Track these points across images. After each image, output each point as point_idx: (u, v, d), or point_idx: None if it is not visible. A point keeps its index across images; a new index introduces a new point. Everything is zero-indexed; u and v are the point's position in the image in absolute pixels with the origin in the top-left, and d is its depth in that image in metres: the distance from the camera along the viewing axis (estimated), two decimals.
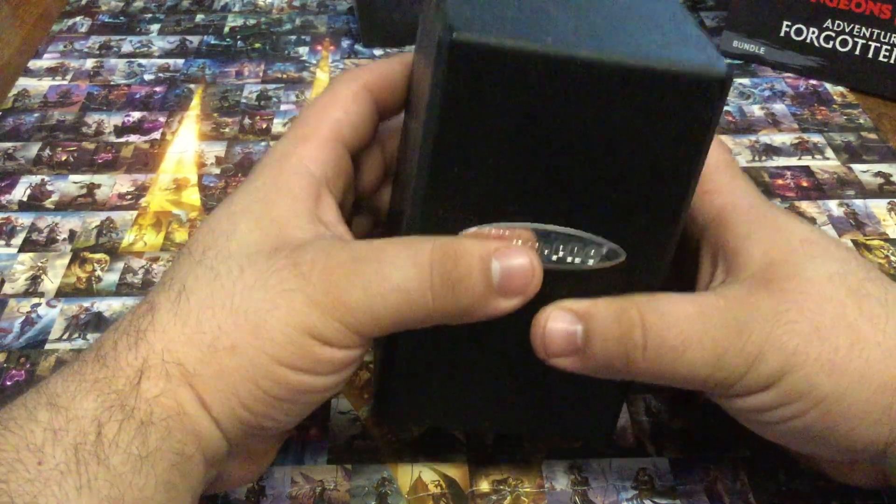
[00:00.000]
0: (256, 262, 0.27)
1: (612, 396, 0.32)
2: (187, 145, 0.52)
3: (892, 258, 0.44)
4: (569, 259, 0.28)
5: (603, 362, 0.28)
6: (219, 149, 0.52)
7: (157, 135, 0.53)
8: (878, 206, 0.48)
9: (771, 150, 0.52)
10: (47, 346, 0.39)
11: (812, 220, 0.47)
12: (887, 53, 0.55)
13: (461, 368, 0.31)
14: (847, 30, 0.55)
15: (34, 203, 0.48)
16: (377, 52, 0.62)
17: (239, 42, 0.63)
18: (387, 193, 0.36)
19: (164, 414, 0.26)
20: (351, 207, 0.34)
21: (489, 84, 0.25)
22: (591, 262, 0.28)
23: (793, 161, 0.51)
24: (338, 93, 0.31)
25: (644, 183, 0.27)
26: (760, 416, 0.29)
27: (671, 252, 0.29)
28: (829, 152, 0.52)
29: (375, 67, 0.32)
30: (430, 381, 0.32)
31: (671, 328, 0.27)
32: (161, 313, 0.27)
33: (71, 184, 0.49)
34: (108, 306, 0.42)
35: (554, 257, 0.28)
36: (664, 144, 0.26)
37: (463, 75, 0.25)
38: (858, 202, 0.48)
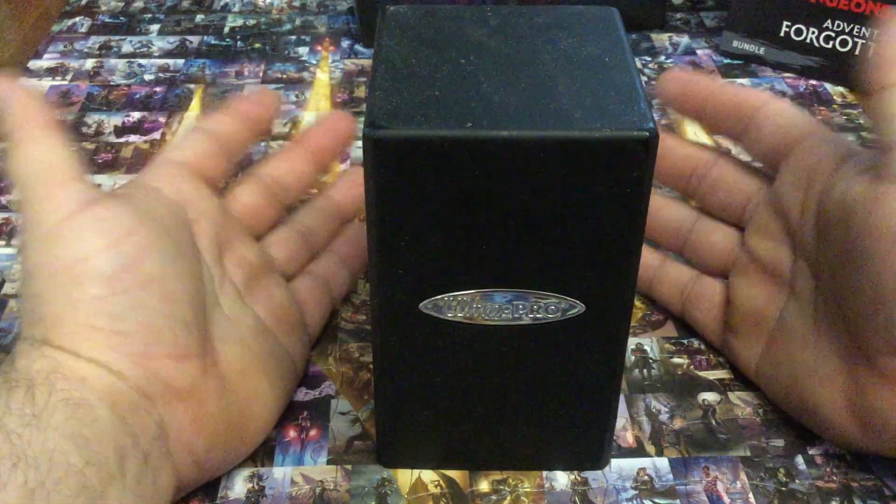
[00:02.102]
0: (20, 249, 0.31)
1: (601, 425, 0.33)
2: None
3: None
4: (530, 316, 0.29)
5: None
6: None
7: (157, 135, 0.53)
8: None
9: None
10: None
11: None
12: None
13: (449, 412, 0.32)
14: (847, 30, 0.55)
15: None
16: None
17: (239, 42, 0.63)
18: (310, 210, 0.41)
19: (43, 373, 0.27)
20: (226, 219, 0.36)
21: (418, 171, 0.26)
22: (551, 316, 0.29)
23: None
24: (175, 139, 0.36)
25: (588, 241, 0.28)
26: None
27: (631, 297, 0.29)
28: None
29: (213, 116, 0.37)
30: (420, 425, 0.33)
31: None
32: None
33: None
34: None
35: (516, 315, 0.29)
36: (599, 205, 0.27)
37: (390, 168, 0.26)
38: None
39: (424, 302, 0.29)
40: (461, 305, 0.29)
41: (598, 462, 0.34)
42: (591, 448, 0.34)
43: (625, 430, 0.36)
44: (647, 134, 0.25)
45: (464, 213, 0.27)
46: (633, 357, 0.39)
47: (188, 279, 0.31)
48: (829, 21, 0.55)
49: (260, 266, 0.36)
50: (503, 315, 0.29)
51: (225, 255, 0.34)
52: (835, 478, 0.34)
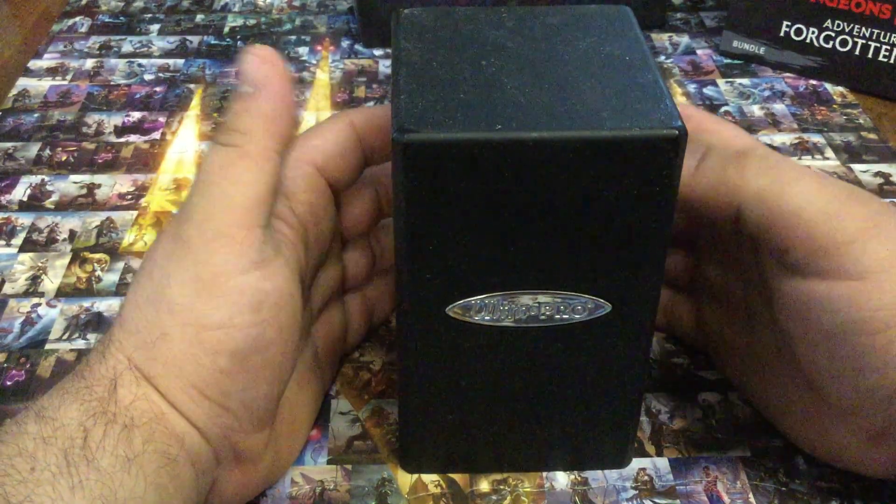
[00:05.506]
0: (154, 252, 0.29)
1: (626, 424, 0.33)
2: (187, 145, 0.52)
3: None
4: (557, 316, 0.29)
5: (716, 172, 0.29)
6: None
7: (157, 135, 0.53)
8: None
9: None
10: (47, 346, 0.39)
11: None
12: (887, 53, 0.55)
13: (474, 416, 0.32)
14: (847, 30, 0.55)
15: (34, 203, 0.48)
16: (377, 51, 0.62)
17: (239, 42, 0.63)
18: (387, 228, 0.37)
19: (145, 417, 0.27)
20: (331, 236, 0.34)
21: (448, 174, 0.26)
22: (577, 317, 0.29)
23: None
24: (321, 125, 0.33)
25: (616, 241, 0.28)
26: (833, 305, 0.28)
27: (657, 295, 0.29)
28: (829, 152, 0.52)
29: (367, 109, 0.33)
30: (446, 430, 0.33)
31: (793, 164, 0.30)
32: (115, 327, 0.28)
33: (71, 184, 0.49)
34: (109, 306, 0.42)
35: (543, 316, 0.29)
36: (628, 204, 0.27)
37: (420, 171, 0.26)
38: None
39: (452, 305, 0.29)
40: (488, 308, 0.29)
41: (622, 461, 0.34)
42: (615, 446, 0.34)
43: None
44: (676, 132, 0.25)
45: (493, 215, 0.27)
46: None
47: (295, 349, 0.31)
48: (829, 21, 0.55)
49: (336, 287, 0.36)
50: (530, 316, 0.29)
51: (317, 277, 0.34)
52: (835, 478, 0.34)
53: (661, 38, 0.63)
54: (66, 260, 0.44)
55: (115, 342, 0.28)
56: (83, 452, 0.25)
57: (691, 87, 0.58)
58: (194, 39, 0.63)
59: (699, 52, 0.62)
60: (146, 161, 0.51)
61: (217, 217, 0.28)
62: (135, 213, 0.47)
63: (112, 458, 0.25)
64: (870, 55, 0.55)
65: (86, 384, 0.27)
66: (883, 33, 0.54)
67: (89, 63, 0.61)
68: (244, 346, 0.28)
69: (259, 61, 0.29)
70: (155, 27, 0.65)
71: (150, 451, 0.26)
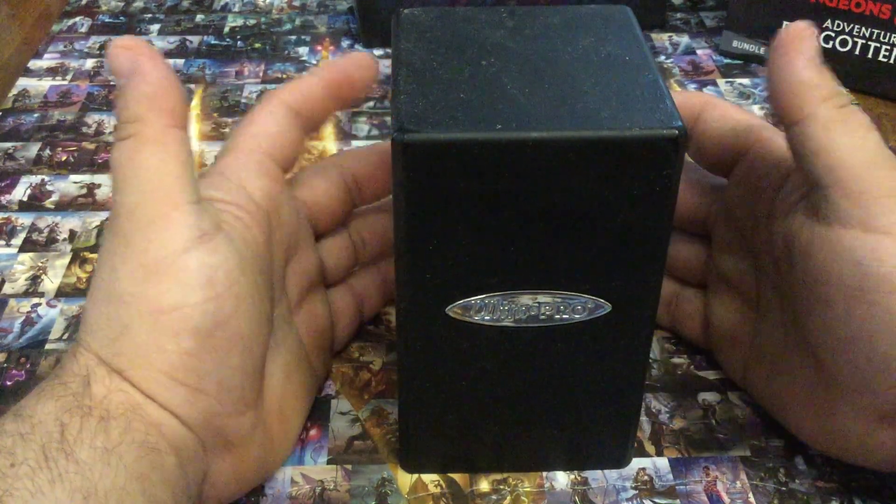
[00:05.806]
0: (100, 254, 0.29)
1: (625, 424, 0.33)
2: None
3: None
4: (556, 316, 0.29)
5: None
6: (219, 149, 0.52)
7: None
8: None
9: None
10: (47, 346, 0.39)
11: None
12: (887, 53, 0.55)
13: (474, 416, 0.32)
14: (847, 30, 0.55)
15: (34, 203, 0.48)
16: (377, 51, 0.62)
17: (239, 42, 0.63)
18: (367, 219, 0.37)
19: (121, 408, 0.27)
20: (296, 220, 0.34)
21: (448, 174, 0.26)
22: (577, 317, 0.29)
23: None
24: (253, 113, 0.33)
25: (616, 241, 0.28)
26: (856, 256, 0.29)
27: (657, 295, 0.29)
28: None
29: (293, 83, 0.34)
30: (446, 430, 0.33)
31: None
32: (80, 330, 0.29)
33: (71, 184, 0.49)
34: None
35: (543, 316, 0.29)
36: (628, 204, 0.27)
37: (420, 171, 0.26)
38: None
39: (451, 305, 0.29)
40: (488, 308, 0.29)
41: (622, 461, 0.34)
42: (615, 447, 0.34)
43: None
44: (676, 132, 0.26)
45: (493, 215, 0.27)
46: None
47: (265, 325, 0.31)
48: (829, 21, 0.55)
49: (314, 277, 0.36)
50: (530, 316, 0.29)
51: (289, 265, 0.34)
52: (835, 478, 0.34)
53: (661, 38, 0.63)
54: (67, 260, 0.44)
55: (82, 344, 0.28)
56: (61, 446, 0.25)
57: (691, 87, 0.58)
58: (194, 39, 0.63)
59: (699, 52, 0.62)
60: None
61: (143, 205, 0.28)
62: None
63: (90, 450, 0.25)
64: (870, 55, 0.55)
65: (60, 381, 0.27)
66: (883, 33, 0.54)
67: (89, 63, 0.61)
68: (204, 324, 0.28)
69: (122, 51, 0.29)
70: (155, 27, 0.65)
71: (129, 442, 0.26)
